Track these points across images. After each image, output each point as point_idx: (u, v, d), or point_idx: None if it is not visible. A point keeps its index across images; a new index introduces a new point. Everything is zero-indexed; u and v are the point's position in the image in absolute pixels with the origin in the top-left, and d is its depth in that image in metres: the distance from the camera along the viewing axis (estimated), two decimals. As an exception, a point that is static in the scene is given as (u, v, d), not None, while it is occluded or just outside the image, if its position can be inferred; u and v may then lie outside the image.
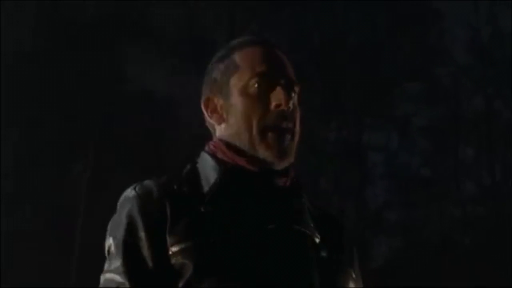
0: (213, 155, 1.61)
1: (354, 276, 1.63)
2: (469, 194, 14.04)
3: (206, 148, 1.63)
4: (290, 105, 1.55)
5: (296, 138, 1.58)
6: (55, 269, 10.86)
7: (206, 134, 1.70)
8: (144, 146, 11.89)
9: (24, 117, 11.72)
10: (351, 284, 1.61)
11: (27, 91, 11.67)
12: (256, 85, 1.58)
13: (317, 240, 1.56)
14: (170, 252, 1.49)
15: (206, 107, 1.65)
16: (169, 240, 1.50)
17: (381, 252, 13.66)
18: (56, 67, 11.63)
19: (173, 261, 1.48)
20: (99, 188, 11.35)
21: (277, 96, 1.56)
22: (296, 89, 1.60)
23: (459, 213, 13.95)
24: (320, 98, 13.88)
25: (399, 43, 14.31)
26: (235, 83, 1.60)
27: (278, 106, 1.55)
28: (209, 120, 1.65)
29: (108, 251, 1.55)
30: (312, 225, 1.57)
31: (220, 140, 1.61)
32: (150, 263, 1.50)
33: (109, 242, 1.56)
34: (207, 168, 1.59)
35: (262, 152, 1.55)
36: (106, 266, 1.55)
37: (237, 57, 1.62)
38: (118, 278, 1.50)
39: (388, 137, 14.12)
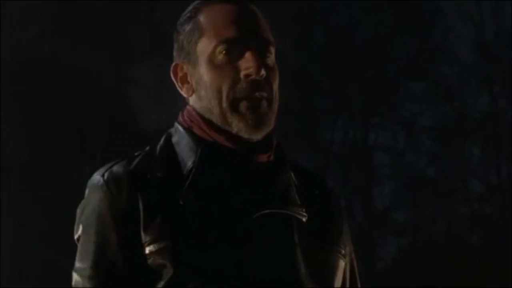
0: (189, 130, 1.48)
1: (343, 251, 1.53)
2: (476, 192, 14.05)
3: (180, 118, 1.50)
4: (263, 72, 1.42)
5: (274, 105, 1.46)
6: (62, 270, 10.86)
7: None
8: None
9: (31, 119, 11.76)
10: (341, 265, 1.51)
11: (33, 94, 11.72)
12: (223, 52, 1.43)
13: (304, 219, 1.45)
14: (147, 252, 1.37)
15: (175, 75, 1.51)
16: (144, 237, 1.38)
17: (389, 251, 13.67)
18: (63, 69, 11.67)
19: (149, 261, 1.37)
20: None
21: (247, 64, 1.42)
22: (272, 49, 1.46)
23: (466, 212, 13.95)
24: (326, 98, 13.90)
25: (403, 42, 14.32)
26: (202, 50, 1.46)
27: (248, 76, 1.42)
28: (180, 90, 1.51)
29: (78, 239, 1.45)
30: (298, 201, 1.47)
31: (194, 110, 1.48)
32: (121, 266, 1.39)
33: (79, 231, 1.45)
34: (183, 145, 1.47)
35: (236, 124, 1.43)
36: (76, 260, 1.44)
37: (202, 18, 1.46)
38: (86, 284, 1.40)
39: (394, 137, 14.13)
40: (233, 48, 1.43)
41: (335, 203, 1.57)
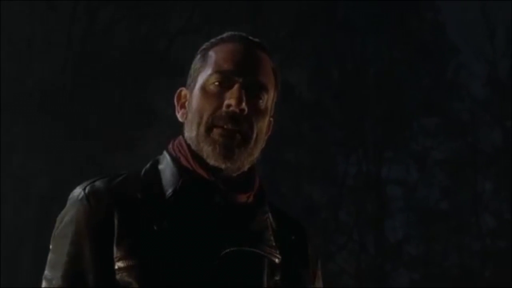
0: (176, 160, 1.51)
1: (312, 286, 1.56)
2: (488, 227, 14.12)
3: (170, 147, 1.54)
4: (243, 106, 1.44)
5: (251, 144, 1.47)
6: None
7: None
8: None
9: (51, 154, 11.92)
10: None
11: (54, 127, 11.92)
12: (215, 83, 1.48)
13: (277, 261, 1.47)
14: (116, 267, 1.40)
15: (178, 100, 1.57)
16: (115, 252, 1.41)
17: (401, 284, 13.73)
18: (84, 103, 11.89)
19: (118, 276, 1.40)
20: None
21: (231, 95, 1.46)
22: (264, 94, 1.49)
23: (478, 246, 14.01)
24: (340, 132, 14.08)
25: (417, 78, 14.51)
26: (200, 79, 1.51)
27: (228, 106, 1.46)
28: (177, 114, 1.56)
29: (51, 246, 1.47)
30: (273, 243, 1.49)
31: (185, 142, 1.51)
32: (91, 278, 1.41)
33: (53, 238, 1.48)
34: (168, 174, 1.49)
35: (206, 149, 1.46)
36: (47, 267, 1.45)
37: (211, 52, 1.53)
38: None
39: (407, 171, 14.26)
40: (225, 81, 1.47)
41: (312, 251, 1.58)
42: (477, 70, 14.45)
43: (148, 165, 1.53)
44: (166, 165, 1.51)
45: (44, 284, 1.44)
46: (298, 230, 1.59)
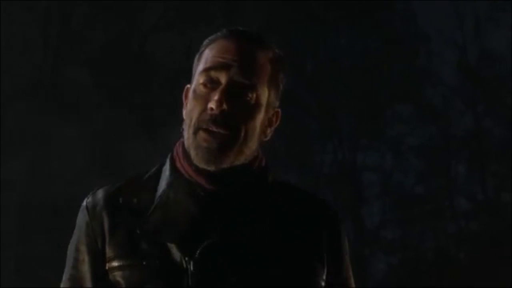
0: (172, 161, 1.56)
1: (324, 270, 1.55)
2: (463, 210, 14.42)
3: (174, 148, 1.59)
4: (224, 107, 1.47)
5: (240, 142, 1.49)
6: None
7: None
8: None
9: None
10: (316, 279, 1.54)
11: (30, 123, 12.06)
12: (203, 83, 1.51)
13: (272, 247, 1.49)
14: (107, 267, 1.52)
15: (185, 98, 1.59)
16: (107, 253, 1.52)
17: (380, 269, 14.02)
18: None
19: (110, 276, 1.51)
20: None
21: (213, 97, 1.47)
22: (249, 89, 1.50)
23: (453, 229, 14.31)
24: (316, 121, 14.34)
25: (389, 67, 14.77)
26: (195, 77, 1.54)
27: (211, 109, 1.48)
28: (183, 112, 1.58)
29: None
30: (271, 229, 1.50)
31: (183, 143, 1.55)
32: (90, 280, 1.54)
33: (69, 246, 1.61)
34: (164, 175, 1.55)
35: (192, 152, 1.50)
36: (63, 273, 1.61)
37: (206, 49, 1.55)
38: None
39: (382, 157, 14.53)
40: (210, 81, 1.50)
41: (331, 235, 1.60)
42: (448, 57, 14.74)
43: (154, 168, 1.59)
44: (166, 166, 1.58)
45: (61, 286, 1.62)
46: (315, 212, 1.58)
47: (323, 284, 1.55)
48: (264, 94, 1.53)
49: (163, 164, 1.59)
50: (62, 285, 1.59)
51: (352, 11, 14.21)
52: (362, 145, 14.63)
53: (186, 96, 1.58)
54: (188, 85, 1.58)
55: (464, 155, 14.77)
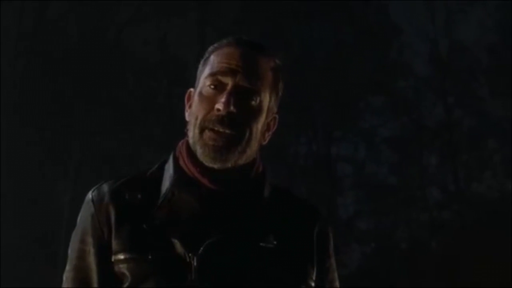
0: (176, 160, 1.61)
1: (314, 271, 1.61)
2: (435, 199, 14.64)
3: (177, 147, 1.64)
4: (231, 109, 1.52)
5: (243, 143, 1.55)
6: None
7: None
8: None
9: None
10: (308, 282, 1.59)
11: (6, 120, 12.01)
12: (210, 86, 1.56)
13: (269, 246, 1.54)
14: (113, 259, 1.55)
15: (187, 100, 1.65)
16: (113, 245, 1.56)
17: (354, 259, 14.19)
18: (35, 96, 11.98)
19: (116, 268, 1.55)
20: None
21: (220, 99, 1.53)
22: (253, 94, 1.55)
23: (425, 218, 14.52)
24: (290, 114, 14.44)
25: (362, 59, 14.92)
26: (200, 81, 1.60)
27: (218, 110, 1.54)
28: (185, 114, 1.63)
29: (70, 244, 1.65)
30: (268, 229, 1.55)
31: (187, 142, 1.60)
32: (96, 270, 1.57)
33: (72, 236, 1.64)
34: (168, 173, 1.60)
35: (198, 150, 1.55)
36: (67, 263, 1.64)
37: (212, 55, 1.61)
38: (69, 284, 1.61)
39: (355, 149, 14.68)
40: (218, 84, 1.56)
41: (320, 238, 1.65)
42: (419, 49, 14.92)
43: (156, 165, 1.64)
44: (169, 164, 1.62)
45: (63, 276, 1.64)
46: (307, 216, 1.64)
47: (313, 284, 1.62)
48: (266, 100, 1.60)
49: (165, 162, 1.64)
50: (65, 274, 1.62)
51: (326, 3, 14.31)
52: (336, 137, 14.78)
53: (189, 99, 1.64)
54: (191, 89, 1.64)
55: (436, 146, 14.98)
